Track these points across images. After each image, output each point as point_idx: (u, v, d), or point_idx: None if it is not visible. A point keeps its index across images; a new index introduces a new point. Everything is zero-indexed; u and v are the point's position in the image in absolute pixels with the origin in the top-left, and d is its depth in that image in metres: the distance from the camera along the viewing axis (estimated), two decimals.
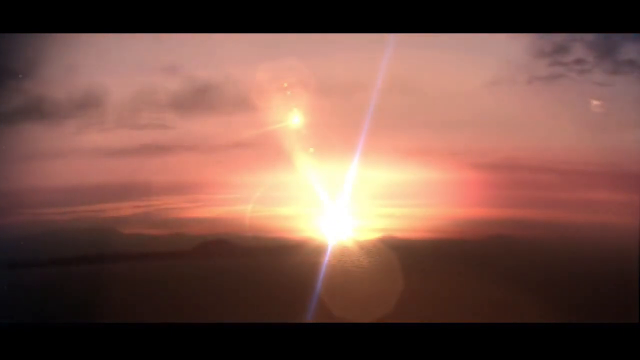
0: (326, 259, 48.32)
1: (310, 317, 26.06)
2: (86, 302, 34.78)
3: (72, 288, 43.79)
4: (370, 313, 27.12)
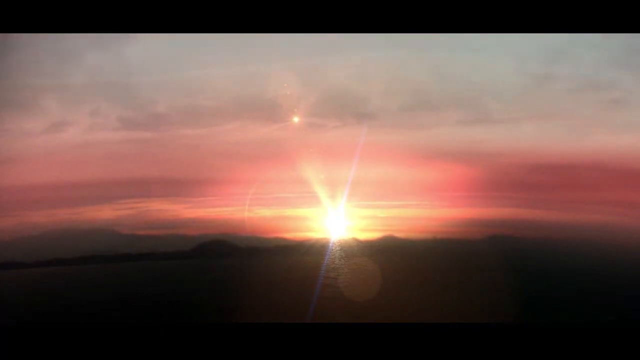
0: (326, 259, 48.27)
1: (310, 317, 26.04)
2: (86, 302, 34.71)
3: (72, 288, 43.67)
4: (371, 312, 27.10)
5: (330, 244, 55.41)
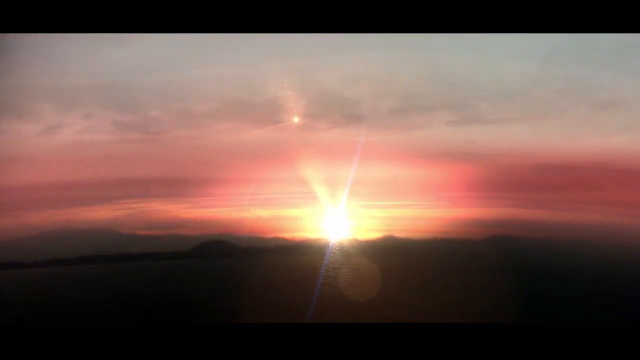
0: (326, 259, 48.26)
1: (310, 317, 26.03)
2: (86, 302, 34.70)
3: (72, 288, 43.64)
4: (371, 312, 27.09)
5: (330, 244, 55.39)
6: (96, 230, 78.94)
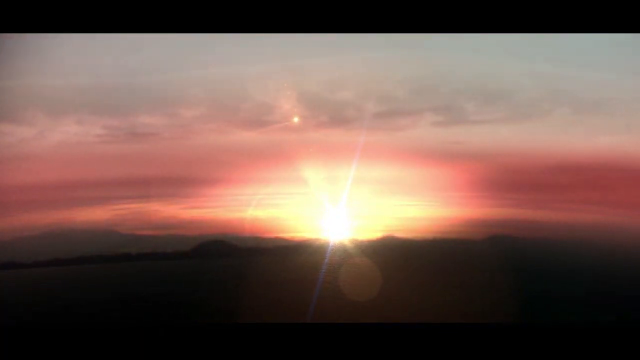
0: (326, 259, 48.13)
1: (310, 317, 26.03)
2: (86, 302, 34.66)
3: (72, 288, 43.57)
4: (371, 312, 27.08)
5: (330, 244, 55.41)
6: (96, 230, 78.98)
